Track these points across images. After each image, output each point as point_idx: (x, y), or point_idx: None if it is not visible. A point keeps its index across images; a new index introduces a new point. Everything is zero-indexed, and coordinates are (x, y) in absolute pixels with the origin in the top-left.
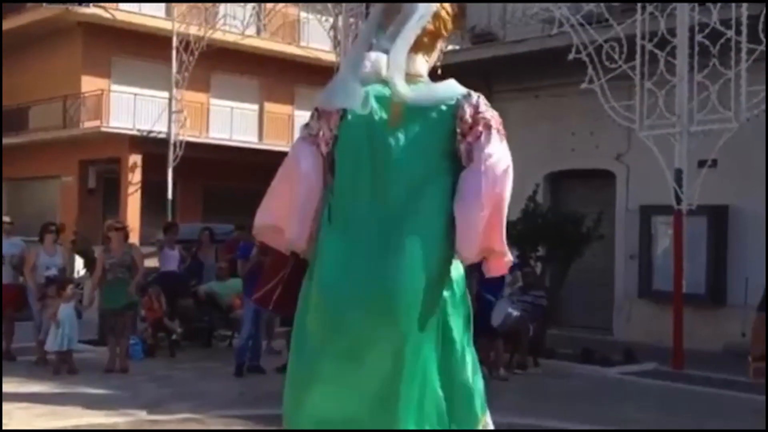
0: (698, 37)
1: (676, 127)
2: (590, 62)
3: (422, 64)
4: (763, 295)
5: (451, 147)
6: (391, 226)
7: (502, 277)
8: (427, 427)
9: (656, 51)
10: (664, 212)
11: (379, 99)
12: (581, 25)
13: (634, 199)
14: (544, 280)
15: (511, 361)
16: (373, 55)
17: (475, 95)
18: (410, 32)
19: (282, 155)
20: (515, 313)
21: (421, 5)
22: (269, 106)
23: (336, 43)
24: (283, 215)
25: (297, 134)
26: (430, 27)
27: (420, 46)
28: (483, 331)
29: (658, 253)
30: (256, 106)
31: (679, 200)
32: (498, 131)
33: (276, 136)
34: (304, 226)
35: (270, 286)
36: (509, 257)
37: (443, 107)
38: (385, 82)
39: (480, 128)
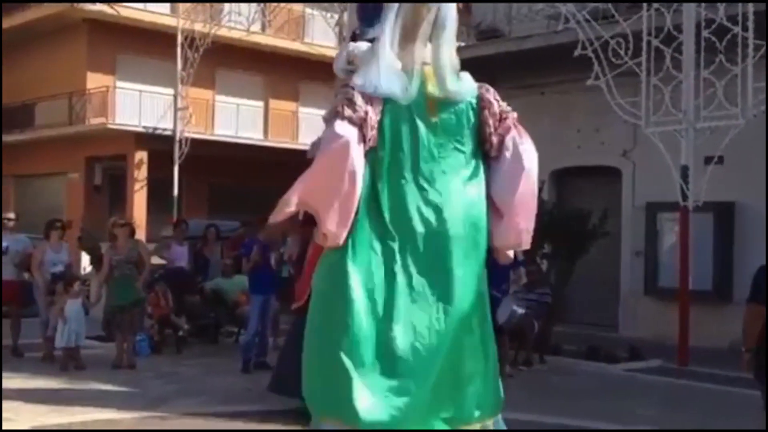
0: (705, 33)
1: (682, 123)
2: (596, 58)
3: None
4: (752, 287)
5: (479, 135)
6: (437, 217)
7: (508, 274)
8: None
9: (662, 47)
10: (670, 209)
11: (417, 91)
12: (587, 21)
13: (640, 195)
14: (549, 277)
15: (516, 358)
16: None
17: (490, 88)
18: (453, 32)
19: (287, 152)
20: (520, 310)
21: (451, 5)
22: (274, 103)
23: (341, 40)
24: (327, 205)
25: (302, 131)
26: None
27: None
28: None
29: (664, 249)
30: (261, 103)
31: (685, 197)
32: (520, 128)
33: (281, 133)
34: (347, 223)
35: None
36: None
37: (469, 99)
38: (413, 74)
39: (509, 122)
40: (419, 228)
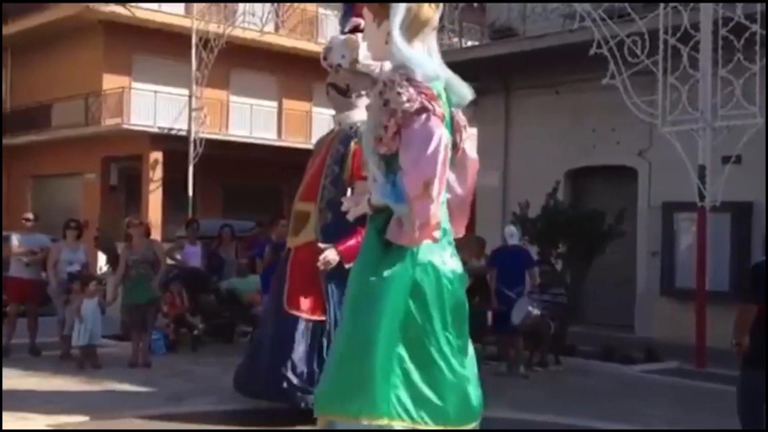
0: (722, 32)
1: (699, 122)
2: (612, 57)
3: None
4: (747, 285)
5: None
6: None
7: (522, 275)
8: None
9: (679, 45)
10: (687, 209)
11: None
12: (602, 19)
13: (656, 195)
14: (564, 277)
15: (531, 358)
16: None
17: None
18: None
19: (301, 152)
20: (536, 311)
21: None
22: (288, 103)
23: None
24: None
25: (316, 131)
26: None
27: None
28: (503, 329)
29: (681, 250)
30: (275, 103)
31: (702, 197)
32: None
33: (295, 133)
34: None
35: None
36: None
37: (453, 106)
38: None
39: (466, 125)
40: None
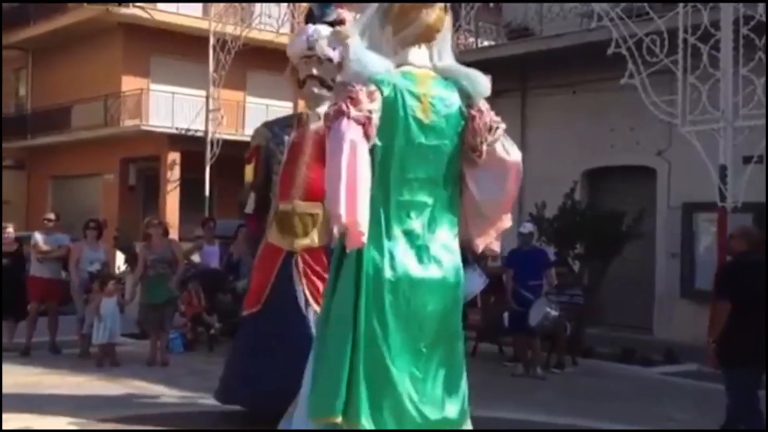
0: (743, 30)
1: (720, 122)
2: (630, 57)
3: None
4: (723, 283)
5: (465, 142)
6: (419, 212)
7: (540, 275)
8: None
9: (699, 44)
10: (708, 209)
11: (410, 90)
12: (621, 18)
13: (676, 196)
14: (581, 278)
15: (548, 359)
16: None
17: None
18: (449, 37)
19: None
20: (554, 313)
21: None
22: (303, 104)
23: None
24: (342, 203)
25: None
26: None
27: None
28: (520, 330)
29: (701, 251)
30: (290, 104)
31: (723, 197)
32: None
33: None
34: (362, 217)
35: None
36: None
37: (459, 102)
38: (414, 74)
39: (499, 133)
40: (407, 226)
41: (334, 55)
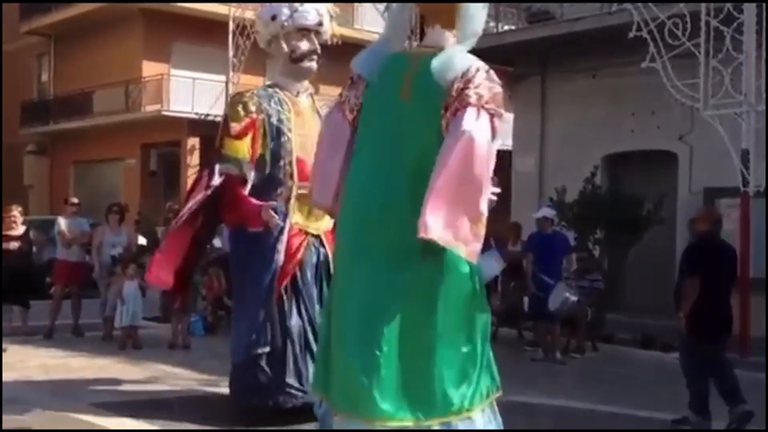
0: (766, 13)
1: (742, 106)
2: (652, 40)
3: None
4: (693, 260)
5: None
6: (392, 199)
7: (560, 260)
8: None
9: (722, 27)
10: (730, 195)
11: (396, 71)
12: (642, 1)
13: (697, 181)
14: (601, 263)
15: (568, 344)
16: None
17: (475, 70)
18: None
19: None
20: (573, 298)
21: None
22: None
23: None
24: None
25: None
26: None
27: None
28: (540, 314)
29: (723, 237)
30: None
31: (746, 182)
32: (479, 108)
33: None
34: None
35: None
36: (470, 248)
37: (443, 82)
38: (406, 56)
39: (471, 99)
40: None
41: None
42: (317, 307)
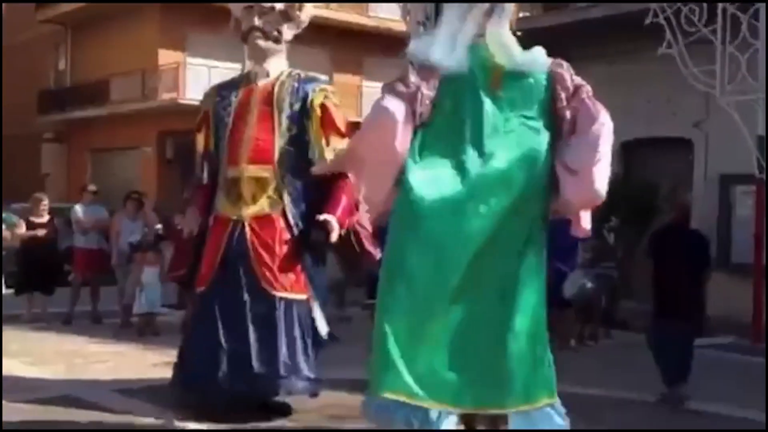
0: None
1: (759, 92)
2: (668, 26)
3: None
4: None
5: (548, 109)
6: (494, 185)
7: (575, 248)
8: None
9: (738, 14)
10: (745, 181)
11: (479, 63)
12: None
13: (712, 167)
14: (615, 251)
15: (582, 332)
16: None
17: (563, 63)
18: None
19: (351, 125)
20: (589, 284)
21: None
22: (339, 77)
23: (405, 13)
24: (363, 173)
25: (366, 105)
26: None
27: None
28: (555, 302)
29: (738, 223)
30: (326, 77)
31: (761, 169)
32: (591, 100)
33: (345, 107)
34: (379, 193)
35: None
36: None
37: (539, 73)
38: (480, 48)
39: (583, 95)
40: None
41: (278, 4)
42: (246, 295)
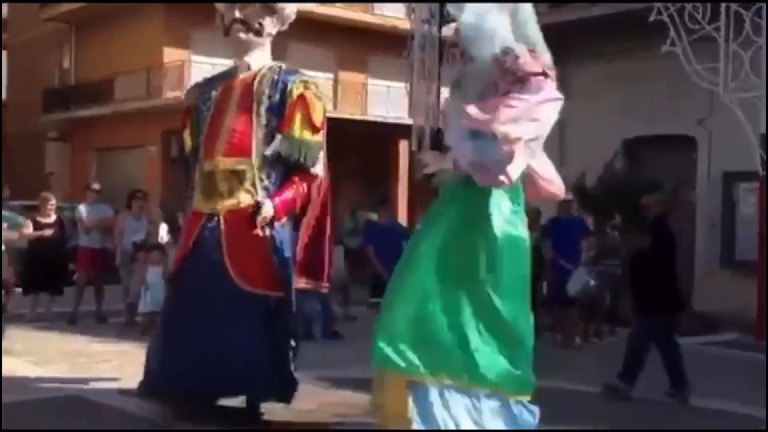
0: None
1: (762, 89)
2: (672, 24)
3: None
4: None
5: None
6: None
7: (579, 246)
8: None
9: (742, 11)
10: (749, 179)
11: None
12: None
13: (716, 165)
14: (619, 248)
15: (587, 329)
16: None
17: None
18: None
19: (357, 124)
20: (593, 282)
21: None
22: (343, 75)
23: (410, 11)
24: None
25: (371, 103)
26: None
27: None
28: (559, 299)
29: (742, 221)
30: (331, 75)
31: (765, 166)
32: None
33: (350, 105)
34: None
35: None
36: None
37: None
38: None
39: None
40: None
41: None
42: (216, 289)
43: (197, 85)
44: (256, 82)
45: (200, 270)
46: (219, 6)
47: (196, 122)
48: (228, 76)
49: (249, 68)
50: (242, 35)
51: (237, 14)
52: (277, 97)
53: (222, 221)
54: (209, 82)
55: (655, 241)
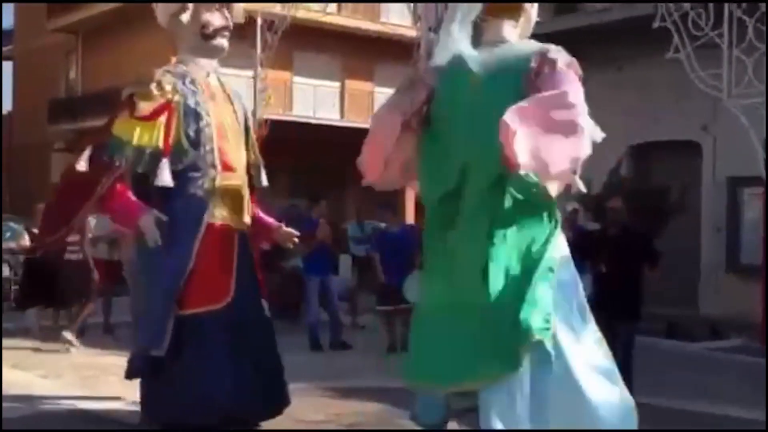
0: None
1: (765, 95)
2: (676, 30)
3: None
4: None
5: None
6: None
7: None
8: None
9: (744, 17)
10: (753, 184)
11: (463, 61)
12: None
13: (720, 170)
14: None
15: None
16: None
17: (549, 47)
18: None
19: (363, 132)
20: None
21: None
22: (350, 83)
23: (416, 19)
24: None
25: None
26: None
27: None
28: None
29: (746, 225)
30: (337, 84)
31: None
32: (563, 67)
33: (357, 113)
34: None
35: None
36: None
37: (518, 61)
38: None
39: (545, 67)
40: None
41: None
42: (260, 312)
43: (172, 78)
44: (228, 90)
45: (245, 291)
46: (161, 6)
47: (185, 119)
48: (198, 74)
49: (216, 73)
50: (226, 42)
51: (230, 22)
52: (242, 108)
53: (244, 240)
54: (181, 78)
55: (626, 247)
